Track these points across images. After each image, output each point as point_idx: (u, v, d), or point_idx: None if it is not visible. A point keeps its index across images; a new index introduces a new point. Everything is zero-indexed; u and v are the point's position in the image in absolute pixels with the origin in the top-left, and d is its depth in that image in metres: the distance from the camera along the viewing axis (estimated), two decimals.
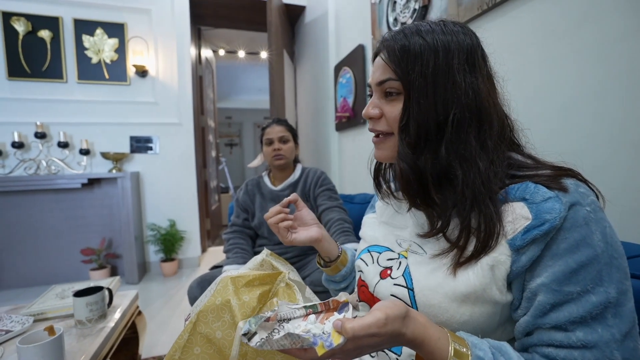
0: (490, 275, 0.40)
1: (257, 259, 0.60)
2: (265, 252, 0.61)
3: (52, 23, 2.40)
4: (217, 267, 1.32)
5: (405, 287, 0.46)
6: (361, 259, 0.57)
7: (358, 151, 2.08)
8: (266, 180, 1.43)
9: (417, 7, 1.34)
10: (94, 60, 2.50)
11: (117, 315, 1.09)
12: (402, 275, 0.48)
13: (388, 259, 0.52)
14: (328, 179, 1.40)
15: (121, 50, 2.55)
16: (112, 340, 1.01)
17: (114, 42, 2.53)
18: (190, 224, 2.78)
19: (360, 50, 1.91)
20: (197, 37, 3.26)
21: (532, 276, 0.40)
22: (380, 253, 0.54)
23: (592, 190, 0.41)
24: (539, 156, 0.49)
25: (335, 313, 0.37)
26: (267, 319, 0.37)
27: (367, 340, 0.34)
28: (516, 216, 0.40)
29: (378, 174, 0.59)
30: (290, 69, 3.27)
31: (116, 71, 2.56)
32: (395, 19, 1.51)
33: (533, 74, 0.88)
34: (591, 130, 0.74)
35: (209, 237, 3.52)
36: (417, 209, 0.49)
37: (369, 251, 0.57)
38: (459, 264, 0.42)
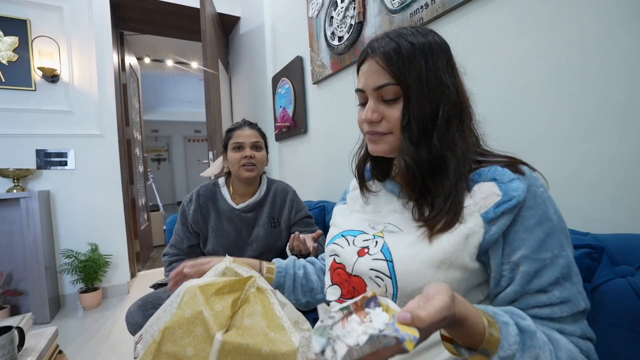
0: (464, 243, 0.46)
1: (219, 267, 0.57)
2: (228, 259, 0.58)
3: None
4: (161, 285, 1.14)
5: (384, 259, 0.49)
6: (335, 243, 0.59)
7: (299, 160, 2.11)
8: (224, 193, 1.16)
9: (353, 22, 1.44)
10: None
11: (31, 359, 0.91)
12: (380, 251, 0.51)
13: (364, 240, 0.55)
14: (301, 201, 1.24)
15: (23, 50, 2.19)
16: None
17: (12, 40, 2.17)
18: (116, 247, 2.46)
19: (298, 61, 1.96)
20: (120, 42, 2.98)
21: (511, 250, 0.46)
22: (355, 236, 0.57)
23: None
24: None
25: (365, 309, 0.35)
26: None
27: (437, 325, 0.32)
28: (488, 193, 0.47)
29: (361, 171, 0.64)
30: (225, 79, 3.18)
31: (16, 74, 2.18)
32: (333, 33, 1.59)
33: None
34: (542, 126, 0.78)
35: (139, 260, 3.16)
36: (414, 201, 0.53)
37: (343, 236, 0.59)
38: (434, 233, 0.48)
